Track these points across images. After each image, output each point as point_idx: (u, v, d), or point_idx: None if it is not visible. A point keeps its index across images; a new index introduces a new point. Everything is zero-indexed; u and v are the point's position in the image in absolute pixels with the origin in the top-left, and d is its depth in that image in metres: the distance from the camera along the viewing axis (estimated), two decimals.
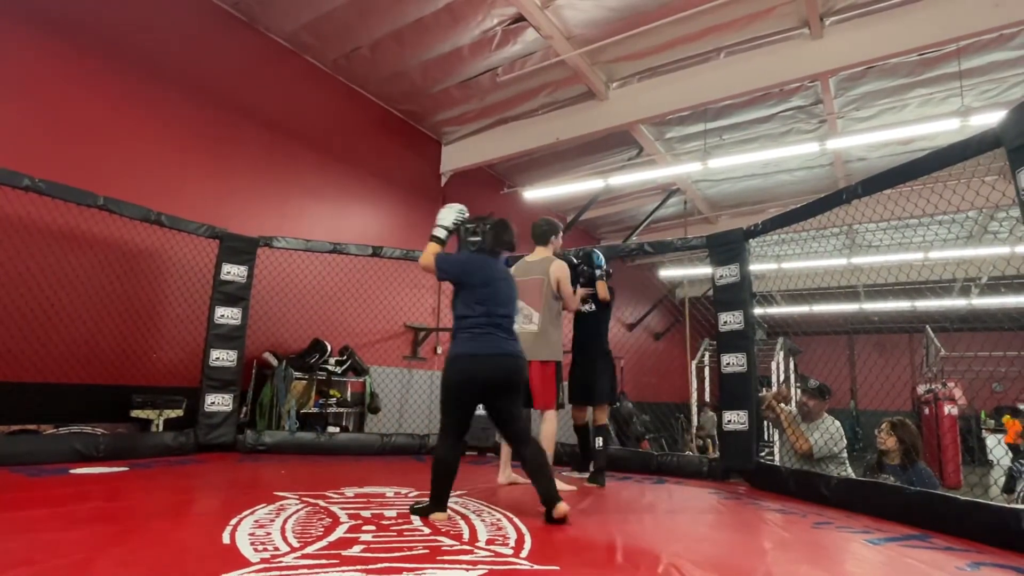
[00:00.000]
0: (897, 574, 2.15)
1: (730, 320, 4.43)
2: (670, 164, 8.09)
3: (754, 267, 4.56)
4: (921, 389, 7.67)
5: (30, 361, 4.16)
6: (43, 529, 2.20)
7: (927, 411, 7.20)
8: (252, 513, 2.54)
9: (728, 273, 4.51)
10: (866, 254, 9.80)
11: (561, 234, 4.06)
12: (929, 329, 8.04)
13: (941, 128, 6.12)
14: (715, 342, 4.68)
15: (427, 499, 2.69)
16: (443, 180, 8.30)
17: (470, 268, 2.99)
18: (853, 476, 3.79)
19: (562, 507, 2.58)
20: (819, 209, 3.93)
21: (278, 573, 1.79)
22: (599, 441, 4.00)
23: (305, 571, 1.81)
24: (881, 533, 2.72)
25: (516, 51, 6.20)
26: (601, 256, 4.26)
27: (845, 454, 3.98)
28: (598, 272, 4.19)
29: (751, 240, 4.49)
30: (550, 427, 3.68)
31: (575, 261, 4.30)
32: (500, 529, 2.50)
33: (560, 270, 3.78)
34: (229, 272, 4.90)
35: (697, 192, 9.92)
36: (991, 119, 2.89)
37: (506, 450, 3.72)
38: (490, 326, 2.82)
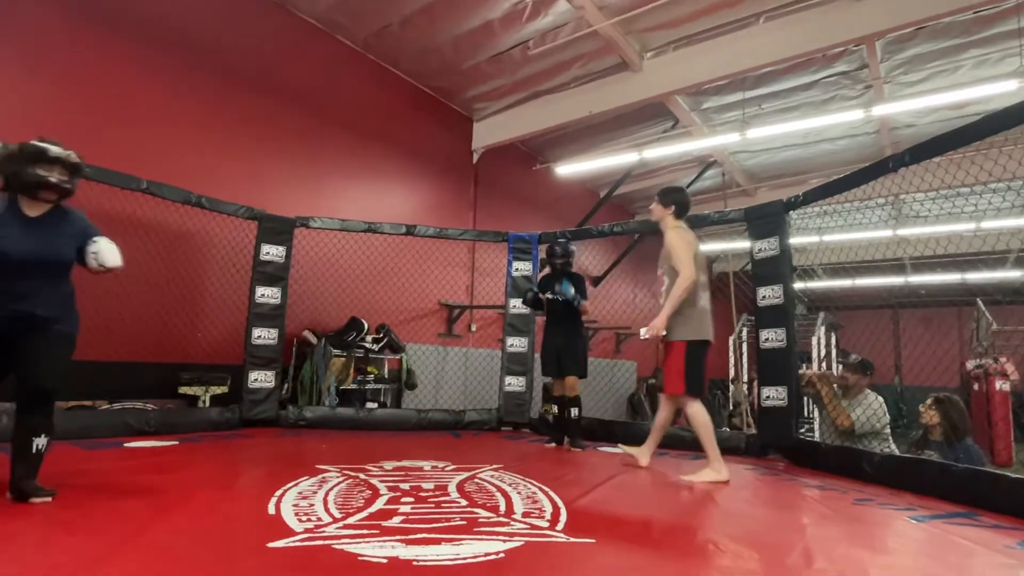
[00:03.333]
0: (941, 551, 2.10)
1: (769, 295, 4.34)
2: (707, 135, 7.88)
3: (794, 240, 4.45)
4: (971, 364, 7.40)
5: (83, 340, 4.31)
6: (101, 499, 2.32)
7: (977, 387, 6.96)
8: (296, 485, 2.63)
9: (767, 247, 4.41)
10: (913, 225, 9.43)
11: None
12: (980, 302, 7.72)
13: (997, 90, 5.79)
14: (753, 317, 4.60)
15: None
16: (475, 157, 8.28)
17: None
18: (896, 453, 3.70)
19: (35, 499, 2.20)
20: (864, 179, 3.79)
21: (321, 542, 1.85)
22: (575, 412, 4.45)
23: (347, 541, 1.87)
24: (925, 510, 2.66)
25: (547, 23, 6.09)
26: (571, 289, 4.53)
27: (888, 430, 3.90)
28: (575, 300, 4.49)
29: (791, 212, 4.38)
30: (691, 413, 3.43)
31: (558, 251, 4.67)
32: (536, 502, 2.53)
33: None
34: (268, 252, 5.00)
35: (735, 164, 9.67)
36: None
37: (655, 434, 3.69)
38: None
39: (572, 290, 4.48)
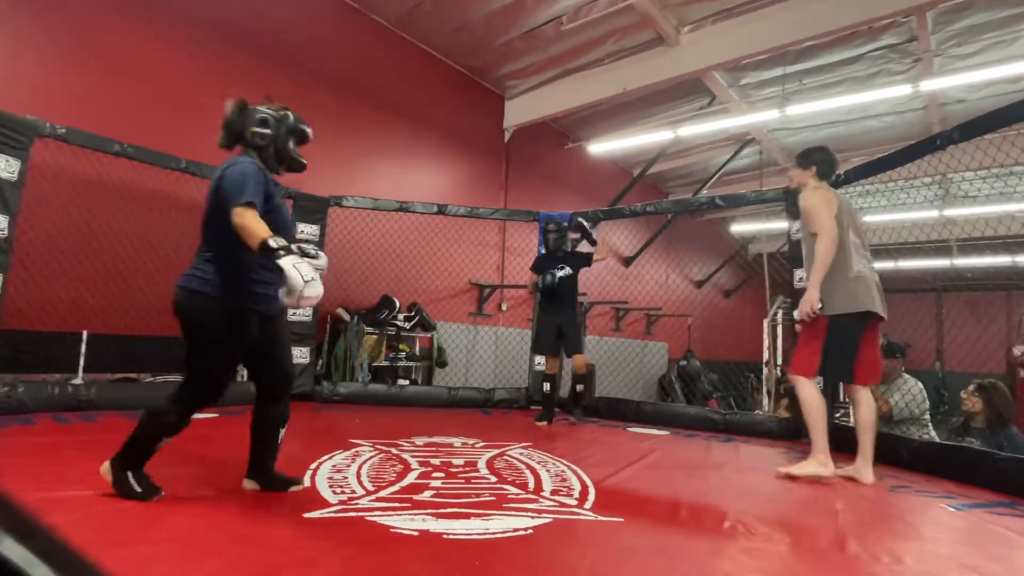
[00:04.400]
0: (981, 541, 2.05)
1: (806, 277, 4.23)
2: (745, 112, 7.67)
3: None
4: (1018, 351, 7.13)
5: (128, 315, 4.51)
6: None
7: (1023, 374, 6.71)
8: (330, 458, 2.70)
9: None
10: (961, 205, 9.06)
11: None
12: None
13: None
14: (788, 299, 4.50)
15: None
16: (507, 136, 8.23)
17: None
18: (936, 439, 3.61)
19: (248, 484, 2.10)
20: (909, 157, 3.65)
21: (355, 514, 1.90)
22: (580, 387, 4.78)
23: (380, 513, 1.92)
24: (965, 499, 2.60)
25: None
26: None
27: (927, 416, 3.80)
28: (593, 235, 4.76)
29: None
30: (803, 395, 2.98)
31: (551, 227, 4.83)
32: (564, 480, 2.55)
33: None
34: (303, 231, 5.08)
35: (774, 141, 9.40)
36: None
37: (865, 441, 2.97)
38: None
39: (566, 270, 4.63)
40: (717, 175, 10.18)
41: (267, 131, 2.19)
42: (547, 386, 4.72)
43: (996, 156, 3.42)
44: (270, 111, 2.21)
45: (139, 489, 1.93)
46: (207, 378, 2.05)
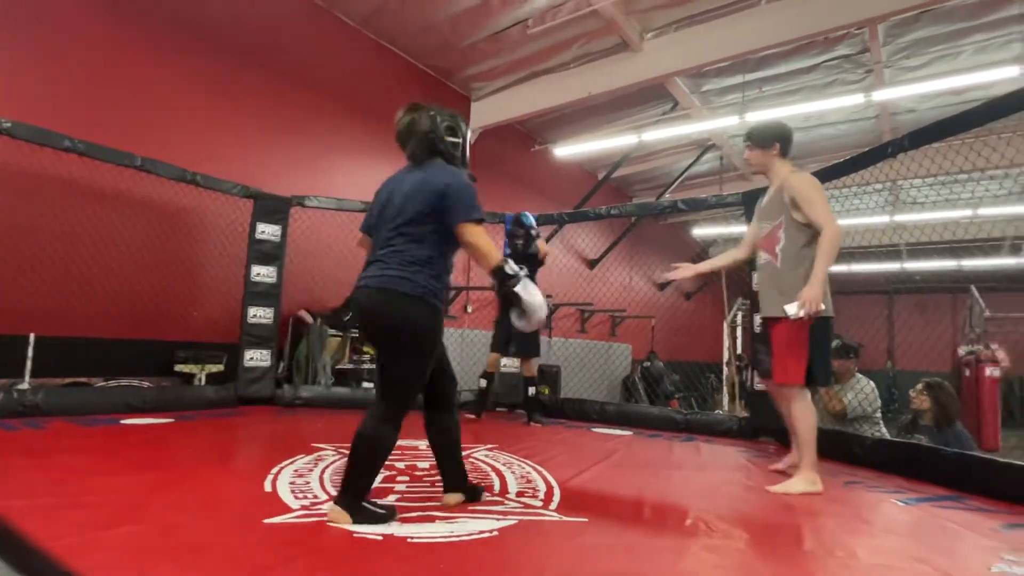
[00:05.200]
0: (929, 533, 2.14)
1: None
2: (706, 118, 7.84)
3: None
4: (962, 351, 7.46)
5: (79, 317, 4.35)
6: (99, 473, 2.33)
7: (968, 373, 7.02)
8: (292, 463, 2.65)
9: None
10: (910, 211, 9.43)
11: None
12: (974, 289, 7.76)
13: (999, 76, 5.77)
14: (748, 301, 4.61)
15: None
16: (472, 137, 8.19)
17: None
18: (887, 437, 3.75)
19: (451, 498, 2.11)
20: (862, 164, 3.78)
21: (317, 519, 1.87)
22: (532, 390, 4.81)
23: None
24: (914, 493, 2.70)
25: (546, 1, 6.01)
26: (530, 216, 4.85)
27: (879, 415, 3.94)
28: (533, 232, 4.80)
29: None
30: (798, 409, 2.76)
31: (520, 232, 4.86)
32: (529, 482, 2.56)
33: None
34: (263, 231, 4.97)
35: (734, 147, 9.62)
36: None
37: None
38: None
39: (532, 219, 4.85)
40: (680, 179, 10.37)
41: (458, 139, 2.13)
42: (483, 382, 4.81)
43: (943, 164, 3.58)
44: (452, 117, 2.14)
45: (382, 511, 1.89)
46: (413, 386, 2.00)
